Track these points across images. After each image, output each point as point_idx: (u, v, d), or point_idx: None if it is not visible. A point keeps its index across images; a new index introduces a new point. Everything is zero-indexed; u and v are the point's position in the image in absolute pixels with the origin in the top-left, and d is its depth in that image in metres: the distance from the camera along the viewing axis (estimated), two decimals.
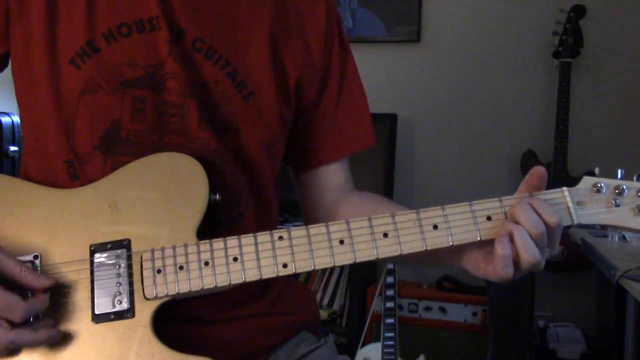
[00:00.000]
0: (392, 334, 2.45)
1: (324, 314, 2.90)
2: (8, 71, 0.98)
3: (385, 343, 2.44)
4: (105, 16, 0.92)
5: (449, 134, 3.10)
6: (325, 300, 2.97)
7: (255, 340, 0.98)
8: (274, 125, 1.00)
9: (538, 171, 0.85)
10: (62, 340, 0.83)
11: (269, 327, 1.00)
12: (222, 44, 0.96)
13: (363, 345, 2.61)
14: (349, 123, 1.09)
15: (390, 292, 2.50)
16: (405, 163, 3.09)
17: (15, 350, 0.80)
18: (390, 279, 2.52)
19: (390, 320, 2.46)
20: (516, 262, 0.82)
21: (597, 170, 0.89)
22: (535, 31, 2.96)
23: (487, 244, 0.85)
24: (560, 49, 2.78)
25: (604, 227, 2.23)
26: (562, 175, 2.73)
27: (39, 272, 0.83)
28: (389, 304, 2.49)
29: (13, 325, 0.77)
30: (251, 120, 0.97)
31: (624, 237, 2.05)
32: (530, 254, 0.80)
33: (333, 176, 1.10)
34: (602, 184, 0.86)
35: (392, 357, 2.43)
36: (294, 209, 2.95)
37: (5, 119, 2.86)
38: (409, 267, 2.88)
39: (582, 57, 2.83)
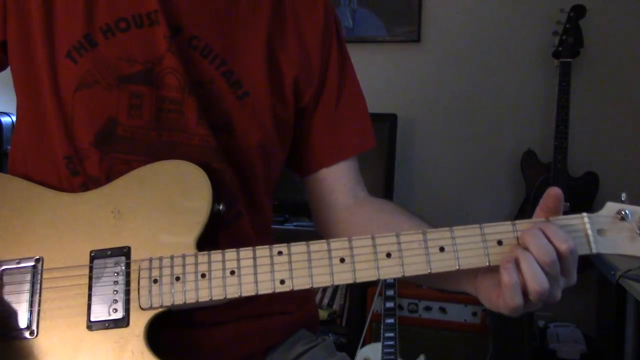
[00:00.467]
0: (392, 334, 2.44)
1: (323, 314, 2.89)
2: (8, 71, 0.97)
3: (385, 343, 2.44)
4: (103, 10, 0.92)
5: (449, 134, 3.09)
6: (325, 300, 2.97)
7: (252, 342, 0.98)
8: (268, 126, 0.99)
9: (554, 192, 0.80)
10: (56, 346, 0.82)
11: (267, 327, 1.00)
12: (218, 43, 0.95)
13: (363, 345, 2.61)
14: (348, 124, 1.08)
15: (390, 292, 2.49)
16: (405, 163, 3.09)
17: None
18: (390, 279, 2.51)
19: (390, 320, 2.46)
20: (525, 292, 0.76)
21: (623, 196, 0.81)
22: (535, 31, 2.95)
23: (496, 274, 0.79)
24: (560, 49, 2.78)
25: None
26: (562, 176, 2.73)
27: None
28: (389, 304, 2.48)
29: None
30: (245, 120, 0.96)
31: None
32: (537, 283, 0.75)
33: (341, 178, 1.08)
34: (627, 211, 0.79)
35: (392, 357, 2.43)
36: (294, 209, 2.93)
37: (5, 119, 2.86)
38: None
39: (582, 57, 2.82)
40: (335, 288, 2.98)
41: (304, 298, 1.09)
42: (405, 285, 2.83)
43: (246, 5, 0.99)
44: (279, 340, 1.02)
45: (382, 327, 2.45)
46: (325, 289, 2.98)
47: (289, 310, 1.04)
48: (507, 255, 0.78)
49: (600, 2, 2.85)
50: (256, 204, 1.02)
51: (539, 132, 2.96)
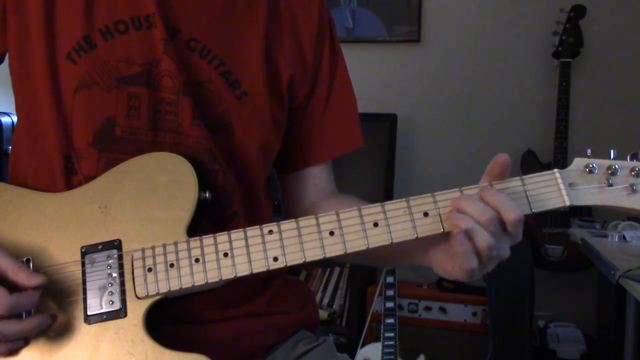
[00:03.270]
0: (392, 334, 2.45)
1: (324, 314, 2.90)
2: (7, 70, 0.97)
3: (385, 343, 2.44)
4: (102, 12, 0.92)
5: (449, 134, 3.10)
6: (325, 300, 2.97)
7: (253, 340, 0.98)
8: (267, 125, 1.00)
9: (501, 159, 0.83)
10: (56, 341, 0.83)
11: (267, 326, 1.00)
12: (217, 44, 0.96)
13: (363, 345, 2.61)
14: (337, 125, 1.09)
15: (390, 292, 2.49)
16: (405, 163, 3.09)
17: (7, 342, 0.80)
18: (390, 279, 2.52)
19: (390, 320, 2.46)
20: (478, 254, 0.80)
21: (589, 151, 0.86)
22: (535, 31, 2.96)
23: (451, 246, 0.82)
24: (560, 49, 2.78)
25: (604, 226, 2.22)
26: None
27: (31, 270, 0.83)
28: (389, 304, 2.48)
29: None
30: (244, 119, 0.97)
31: (624, 237, 2.05)
32: (482, 239, 0.78)
33: (315, 177, 1.10)
34: (595, 164, 0.84)
35: (392, 357, 2.43)
36: None
37: (5, 119, 2.86)
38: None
39: (582, 57, 2.83)
40: (335, 288, 2.98)
41: (304, 298, 1.09)
42: (405, 285, 2.84)
43: (243, 5, 1.00)
44: (279, 340, 1.02)
45: (382, 327, 2.46)
46: (325, 288, 2.98)
47: (290, 310, 1.04)
48: (455, 228, 0.80)
49: (600, 2, 2.86)
50: (254, 204, 1.02)
51: (539, 132, 2.96)
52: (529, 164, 2.86)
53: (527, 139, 2.94)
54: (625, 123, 2.89)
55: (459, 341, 2.70)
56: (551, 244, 2.71)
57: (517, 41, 2.99)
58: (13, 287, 0.79)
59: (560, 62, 2.77)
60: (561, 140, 2.75)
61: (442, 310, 2.72)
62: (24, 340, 0.82)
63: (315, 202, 1.09)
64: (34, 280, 0.80)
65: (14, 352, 0.82)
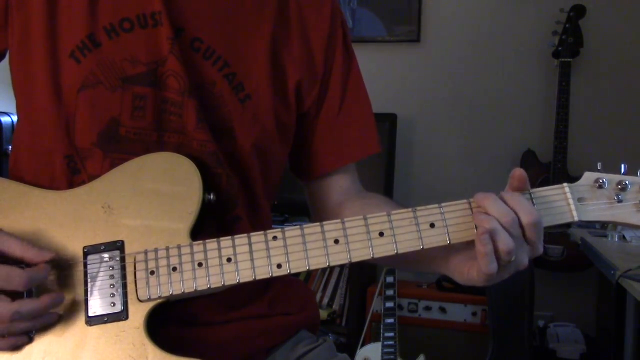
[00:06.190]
0: (392, 334, 2.45)
1: (324, 314, 2.89)
2: (8, 71, 0.97)
3: (385, 343, 2.44)
4: (107, 10, 0.91)
5: (449, 134, 3.10)
6: (325, 300, 2.97)
7: (254, 342, 0.97)
8: (270, 130, 0.98)
9: (517, 174, 0.82)
10: (56, 343, 0.82)
11: (268, 328, 0.99)
12: (222, 46, 0.94)
13: (363, 345, 2.61)
14: (352, 130, 1.06)
15: (390, 292, 2.50)
16: (405, 163, 3.09)
17: (11, 338, 0.80)
18: (390, 279, 2.52)
19: (390, 320, 2.46)
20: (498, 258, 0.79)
21: (599, 165, 0.84)
22: (535, 31, 2.96)
23: (470, 250, 0.82)
24: (560, 49, 2.78)
25: (604, 226, 2.22)
26: (562, 175, 2.73)
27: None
28: (389, 304, 2.48)
29: (14, 298, 0.77)
30: (247, 123, 0.95)
31: (624, 237, 2.05)
32: (504, 243, 0.77)
33: (338, 181, 1.08)
34: (605, 180, 0.82)
35: (392, 357, 2.43)
36: (294, 209, 2.93)
37: (5, 119, 2.86)
38: (405, 270, 2.87)
39: (582, 57, 2.83)
40: (335, 288, 2.98)
41: (305, 299, 1.09)
42: (405, 285, 2.84)
43: (251, 6, 0.98)
44: (280, 341, 1.01)
45: (382, 327, 2.46)
46: (325, 288, 2.98)
47: (291, 311, 1.03)
48: (480, 228, 0.79)
49: (600, 2, 2.86)
50: (256, 208, 1.01)
51: (539, 132, 2.96)
52: (529, 163, 2.86)
53: (527, 139, 2.95)
54: (625, 123, 2.89)
55: (459, 341, 2.70)
56: (551, 244, 2.71)
57: (517, 41, 2.99)
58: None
59: (560, 62, 2.77)
60: (561, 140, 2.75)
61: (442, 310, 2.72)
62: (28, 337, 0.81)
63: (340, 204, 1.06)
64: (45, 255, 0.81)
65: (17, 348, 0.81)
